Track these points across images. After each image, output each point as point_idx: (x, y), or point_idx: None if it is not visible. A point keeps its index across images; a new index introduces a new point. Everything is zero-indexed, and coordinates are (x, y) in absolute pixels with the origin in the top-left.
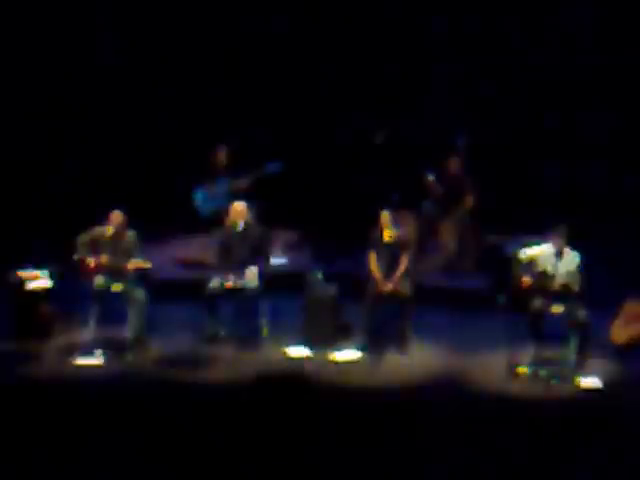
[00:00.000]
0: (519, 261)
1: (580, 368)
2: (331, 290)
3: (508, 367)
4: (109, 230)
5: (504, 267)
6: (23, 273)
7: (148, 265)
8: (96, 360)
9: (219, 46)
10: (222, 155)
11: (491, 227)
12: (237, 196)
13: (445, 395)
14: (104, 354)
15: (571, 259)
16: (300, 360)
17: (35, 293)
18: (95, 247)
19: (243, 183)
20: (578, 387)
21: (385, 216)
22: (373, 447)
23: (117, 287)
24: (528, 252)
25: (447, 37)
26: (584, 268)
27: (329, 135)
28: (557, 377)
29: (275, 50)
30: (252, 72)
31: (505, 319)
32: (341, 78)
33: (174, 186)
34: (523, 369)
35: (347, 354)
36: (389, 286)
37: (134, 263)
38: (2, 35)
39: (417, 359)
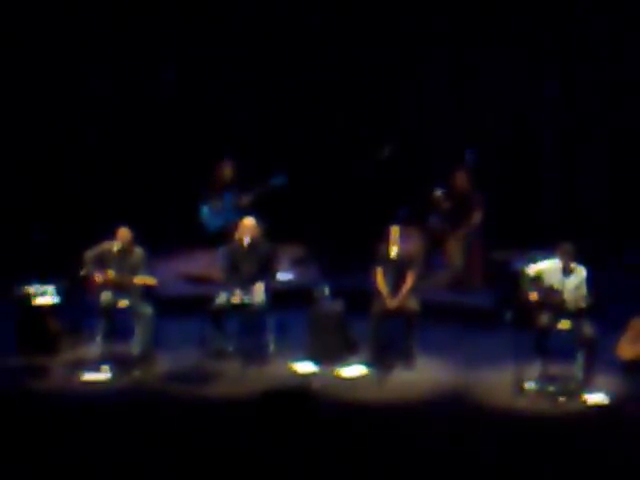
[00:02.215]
0: (526, 277)
1: (587, 384)
2: (338, 306)
3: (514, 383)
4: (116, 246)
5: (511, 283)
6: (30, 289)
7: (153, 282)
8: (103, 376)
9: (221, 54)
10: (228, 169)
11: (498, 242)
12: (244, 211)
13: (451, 411)
14: (111, 370)
15: (578, 274)
16: (306, 376)
17: (42, 309)
18: (102, 263)
19: (248, 198)
20: (585, 403)
21: (395, 231)
22: (378, 463)
23: (124, 303)
24: (535, 268)
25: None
26: (591, 283)
27: (335, 150)
28: (564, 393)
29: (276, 57)
30: (254, 80)
31: (511, 335)
32: (346, 90)
33: (179, 201)
34: (529, 385)
35: (353, 370)
36: (395, 302)
37: (140, 279)
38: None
39: (423, 375)
